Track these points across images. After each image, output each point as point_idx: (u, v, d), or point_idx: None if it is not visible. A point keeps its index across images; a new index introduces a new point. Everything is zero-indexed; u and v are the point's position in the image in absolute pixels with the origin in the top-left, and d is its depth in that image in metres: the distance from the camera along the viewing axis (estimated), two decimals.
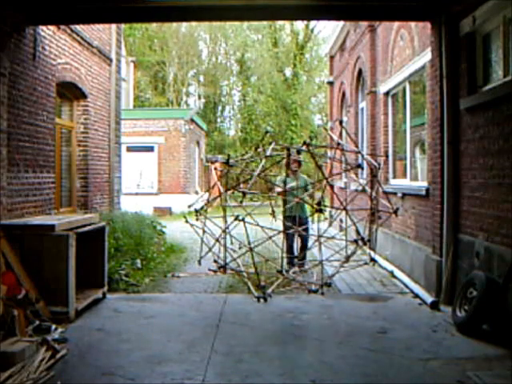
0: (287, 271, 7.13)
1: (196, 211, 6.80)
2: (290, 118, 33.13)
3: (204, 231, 6.73)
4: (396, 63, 8.93)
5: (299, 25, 34.82)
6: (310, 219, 8.36)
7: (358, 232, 6.64)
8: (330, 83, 16.20)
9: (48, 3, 6.50)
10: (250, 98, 34.46)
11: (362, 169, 7.63)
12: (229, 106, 37.00)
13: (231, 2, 6.58)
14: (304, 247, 8.30)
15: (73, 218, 6.54)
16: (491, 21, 5.58)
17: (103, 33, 10.07)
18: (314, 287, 6.76)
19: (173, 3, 6.54)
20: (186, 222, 6.87)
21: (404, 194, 8.25)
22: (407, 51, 8.27)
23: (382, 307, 6.32)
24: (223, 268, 6.66)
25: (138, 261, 8.46)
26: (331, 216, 12.16)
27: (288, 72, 35.37)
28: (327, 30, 28.69)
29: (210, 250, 6.74)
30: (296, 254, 8.36)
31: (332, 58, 16.13)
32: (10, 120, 6.20)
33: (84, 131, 9.18)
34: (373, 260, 7.16)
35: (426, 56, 7.06)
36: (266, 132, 11.00)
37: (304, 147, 6.56)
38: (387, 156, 9.42)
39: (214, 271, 7.00)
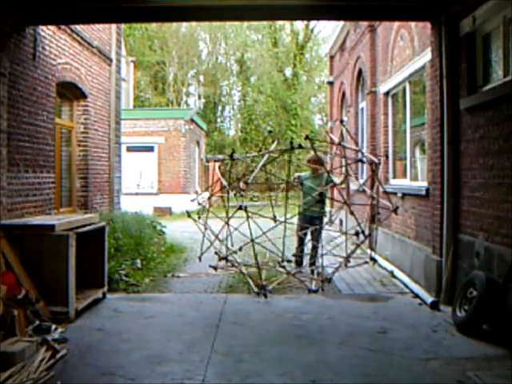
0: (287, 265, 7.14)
1: (198, 213, 6.81)
2: (290, 118, 33.13)
3: (206, 227, 6.71)
4: (396, 63, 8.93)
5: (299, 25, 34.84)
6: (325, 220, 8.26)
7: (359, 225, 6.62)
8: (330, 83, 16.21)
9: (48, 3, 6.50)
10: (250, 98, 34.45)
11: (363, 163, 7.60)
12: (229, 106, 37.01)
13: (231, 1, 6.58)
14: (315, 248, 8.09)
15: (73, 218, 6.54)
16: (491, 21, 5.58)
17: (103, 33, 10.08)
18: (314, 286, 6.75)
19: (173, 3, 6.54)
20: (189, 216, 6.83)
21: (404, 194, 8.25)
22: (407, 51, 8.27)
23: (382, 307, 6.32)
24: (225, 259, 6.65)
25: (138, 261, 8.46)
26: (331, 216, 12.17)
27: (288, 72, 35.37)
28: (327, 30, 28.69)
29: (211, 244, 6.71)
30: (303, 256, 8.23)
31: (332, 58, 16.13)
32: (10, 120, 6.20)
33: (84, 131, 9.18)
34: (373, 259, 7.16)
35: (426, 56, 7.06)
36: (270, 132, 11.00)
37: (307, 144, 6.58)
38: (387, 156, 9.42)
39: (215, 268, 6.99)
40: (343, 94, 14.08)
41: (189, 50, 33.77)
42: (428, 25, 6.86)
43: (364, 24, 10.74)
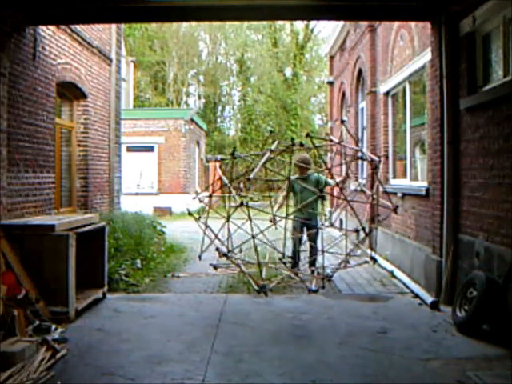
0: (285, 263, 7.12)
1: (198, 212, 6.77)
2: (290, 118, 33.13)
3: (206, 226, 6.67)
4: (396, 63, 8.93)
5: (299, 25, 34.85)
6: (319, 223, 8.12)
7: (359, 221, 6.60)
8: (330, 83, 16.21)
9: (48, 3, 6.50)
10: (250, 98, 34.45)
11: (364, 160, 7.56)
12: (229, 106, 37.00)
13: (231, 1, 6.58)
14: (313, 248, 7.98)
15: (73, 218, 6.54)
16: (491, 21, 5.58)
17: (103, 33, 10.07)
18: (314, 286, 6.74)
19: (173, 3, 6.54)
20: (190, 214, 6.76)
21: (404, 194, 8.25)
22: (407, 51, 8.27)
23: (382, 307, 6.32)
24: (225, 256, 6.63)
25: (138, 261, 8.46)
26: (331, 213, 12.18)
27: (288, 72, 35.37)
28: (327, 30, 28.68)
29: (211, 242, 6.67)
30: (298, 259, 8.02)
31: (332, 58, 16.13)
32: (10, 120, 6.20)
33: (84, 131, 9.18)
34: (373, 259, 7.15)
35: (426, 56, 7.06)
36: (271, 132, 10.98)
37: (308, 143, 6.57)
38: (387, 156, 9.42)
39: (215, 267, 6.94)
40: (343, 94, 14.08)
41: (189, 49, 33.76)
42: (428, 25, 6.86)
43: (364, 24, 10.74)
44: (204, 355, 4.56)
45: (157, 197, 20.99)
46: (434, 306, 6.12)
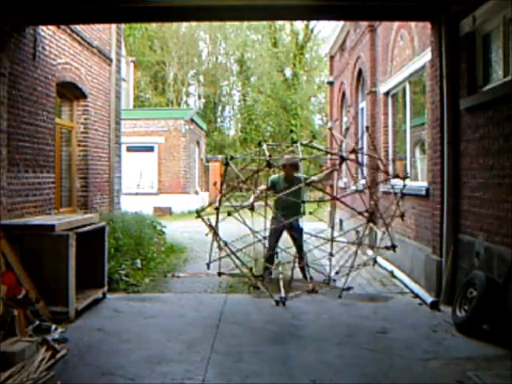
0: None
1: (197, 212, 6.67)
2: (290, 117, 33.14)
3: (215, 231, 6.52)
4: (396, 63, 8.93)
5: (299, 25, 34.86)
6: (302, 225, 7.62)
7: (389, 236, 6.51)
8: (330, 83, 16.21)
9: (48, 3, 6.50)
10: (250, 98, 34.46)
11: (388, 175, 7.44)
12: (229, 106, 37.02)
13: (231, 1, 6.58)
14: (300, 248, 7.61)
15: (73, 218, 6.54)
16: (491, 21, 5.58)
17: (103, 33, 10.07)
18: (278, 297, 6.40)
19: (173, 3, 6.54)
20: (198, 216, 6.57)
21: (404, 194, 8.22)
22: (407, 51, 8.27)
23: (382, 307, 6.32)
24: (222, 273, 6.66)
25: (138, 261, 8.46)
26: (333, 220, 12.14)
27: (288, 72, 35.37)
28: (327, 30, 28.62)
29: (219, 246, 6.54)
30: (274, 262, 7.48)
31: (332, 58, 16.13)
32: (10, 120, 6.20)
33: (84, 131, 9.18)
34: (373, 260, 7.17)
35: (426, 56, 7.06)
36: (291, 131, 10.83)
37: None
38: (387, 159, 9.42)
39: (220, 274, 6.78)
40: (343, 94, 14.08)
41: (189, 49, 33.78)
42: (428, 25, 6.86)
43: (364, 24, 10.74)
44: (204, 355, 4.56)
45: (157, 197, 21.00)
46: (434, 306, 6.11)
